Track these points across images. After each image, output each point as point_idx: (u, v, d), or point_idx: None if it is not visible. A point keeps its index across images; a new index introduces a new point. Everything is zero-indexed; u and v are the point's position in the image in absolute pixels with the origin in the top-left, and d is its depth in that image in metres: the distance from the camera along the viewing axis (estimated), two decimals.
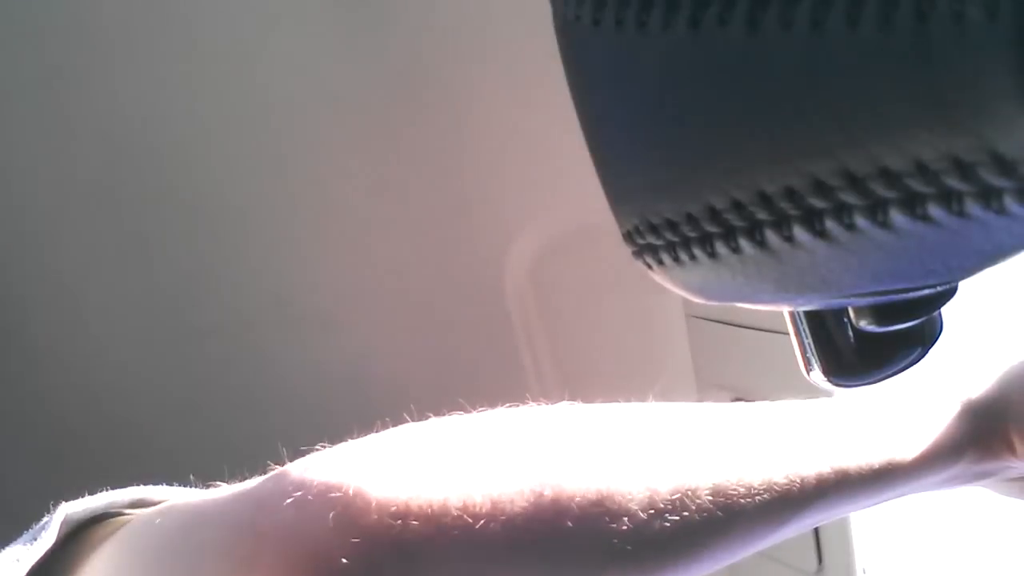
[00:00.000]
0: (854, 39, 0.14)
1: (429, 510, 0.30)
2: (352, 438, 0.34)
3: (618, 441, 0.36)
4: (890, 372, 0.25)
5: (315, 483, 0.30)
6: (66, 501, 0.35)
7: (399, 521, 0.30)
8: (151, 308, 0.88)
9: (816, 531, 0.74)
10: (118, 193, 0.84)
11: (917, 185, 0.15)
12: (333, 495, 0.30)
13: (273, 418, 0.89)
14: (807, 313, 0.25)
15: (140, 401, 0.90)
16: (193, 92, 0.80)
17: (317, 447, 0.33)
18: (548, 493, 0.32)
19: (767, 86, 0.15)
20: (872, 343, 0.25)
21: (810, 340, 0.26)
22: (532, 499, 0.32)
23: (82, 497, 0.36)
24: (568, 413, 0.37)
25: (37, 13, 0.76)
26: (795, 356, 0.26)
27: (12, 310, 0.86)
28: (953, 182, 0.14)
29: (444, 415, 0.35)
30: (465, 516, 0.30)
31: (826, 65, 0.14)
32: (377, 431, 0.34)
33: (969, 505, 0.70)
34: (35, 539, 0.33)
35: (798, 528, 0.39)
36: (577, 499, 0.32)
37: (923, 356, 0.25)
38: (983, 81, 0.13)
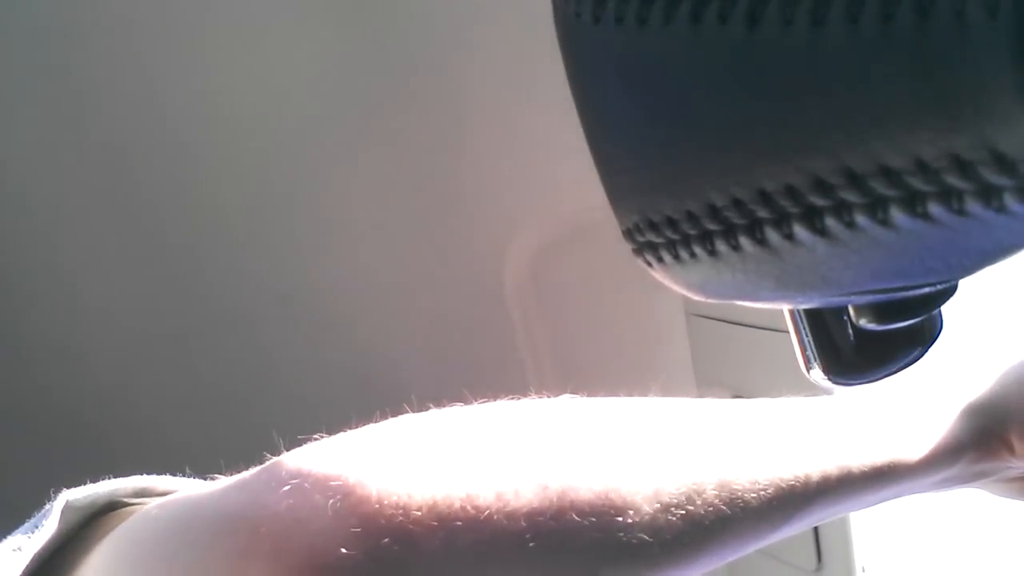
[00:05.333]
0: (854, 36, 0.14)
1: (432, 500, 0.30)
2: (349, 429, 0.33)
3: (624, 435, 0.36)
4: (890, 370, 0.25)
5: (312, 472, 0.30)
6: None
7: (401, 510, 0.29)
8: (152, 304, 0.88)
9: (815, 529, 0.74)
10: (119, 190, 0.84)
11: (917, 183, 0.15)
12: (332, 484, 0.29)
13: (273, 415, 0.89)
14: (807, 311, 0.25)
15: (140, 397, 0.90)
16: (193, 90, 0.80)
17: (313, 437, 0.32)
18: (554, 486, 0.32)
19: (767, 83, 0.15)
20: (872, 341, 0.25)
21: (810, 338, 0.26)
22: (538, 491, 0.31)
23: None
24: (573, 406, 0.37)
25: (38, 11, 0.76)
26: (795, 354, 0.26)
27: (12, 307, 0.86)
28: (953, 180, 0.14)
29: (444, 407, 0.35)
30: (469, 508, 0.30)
31: (826, 62, 0.14)
32: (376, 422, 0.33)
33: (968, 504, 0.70)
34: (36, 527, 0.33)
35: (800, 526, 0.39)
36: (583, 492, 0.32)
37: (923, 355, 0.25)
38: (983, 79, 0.13)
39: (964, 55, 0.13)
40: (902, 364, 0.25)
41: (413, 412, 0.34)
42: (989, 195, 0.14)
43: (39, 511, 0.34)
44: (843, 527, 0.70)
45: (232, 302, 0.88)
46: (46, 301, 0.87)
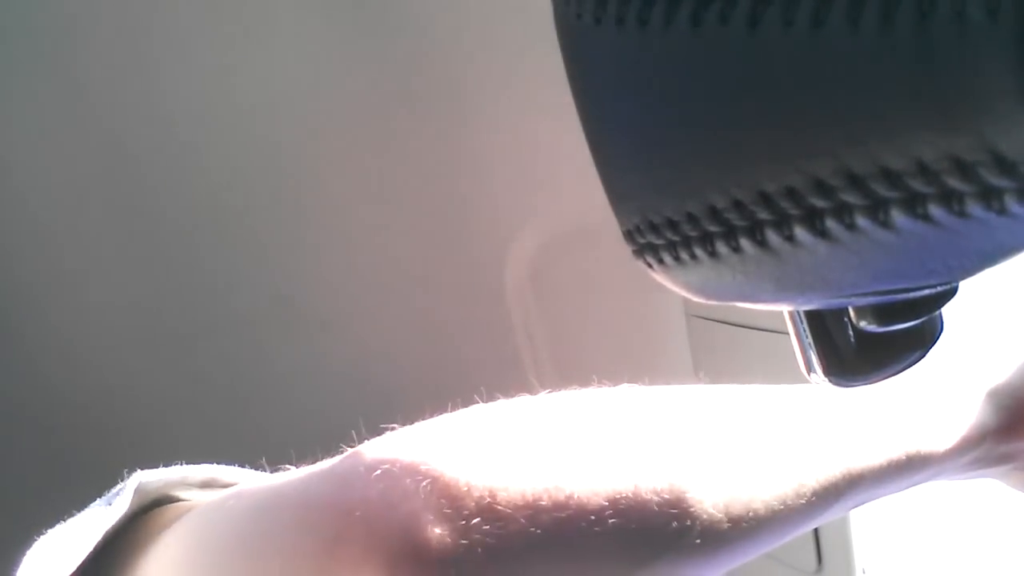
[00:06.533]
0: (855, 38, 0.14)
1: (517, 480, 0.30)
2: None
3: (695, 423, 0.37)
4: (890, 372, 0.25)
5: (399, 459, 0.30)
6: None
7: (488, 491, 0.30)
8: (151, 307, 0.88)
9: (816, 530, 0.74)
10: (120, 192, 0.84)
11: (918, 185, 0.15)
12: (422, 468, 0.30)
13: (273, 414, 0.89)
14: (807, 313, 0.25)
15: (141, 397, 0.90)
16: (194, 91, 0.80)
17: (392, 426, 0.33)
18: (630, 464, 0.33)
19: (768, 85, 0.15)
20: (872, 343, 0.25)
21: (810, 340, 0.25)
22: (616, 470, 0.32)
23: (105, 493, 0.35)
24: (640, 394, 0.37)
25: (40, 11, 0.76)
26: (795, 356, 0.26)
27: (13, 308, 0.86)
28: (954, 182, 0.14)
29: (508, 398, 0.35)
30: (551, 486, 0.31)
31: (827, 64, 0.14)
32: (448, 412, 0.34)
33: (968, 504, 0.70)
34: (110, 503, 0.33)
35: (836, 514, 0.40)
36: (660, 470, 0.33)
37: (923, 356, 0.25)
38: (984, 80, 0.13)
39: (964, 56, 0.13)
40: (902, 366, 0.25)
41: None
42: (990, 197, 0.14)
43: (110, 491, 0.34)
44: (843, 528, 0.70)
45: (232, 302, 0.88)
46: (47, 301, 0.87)
